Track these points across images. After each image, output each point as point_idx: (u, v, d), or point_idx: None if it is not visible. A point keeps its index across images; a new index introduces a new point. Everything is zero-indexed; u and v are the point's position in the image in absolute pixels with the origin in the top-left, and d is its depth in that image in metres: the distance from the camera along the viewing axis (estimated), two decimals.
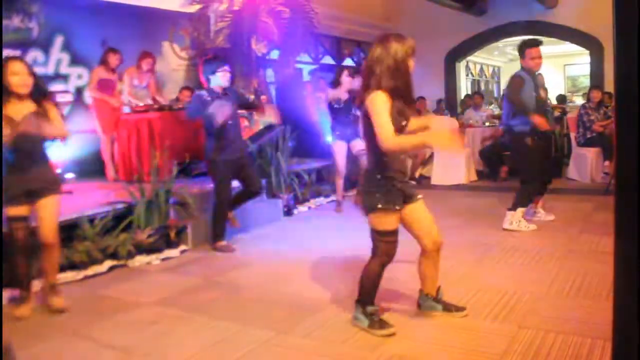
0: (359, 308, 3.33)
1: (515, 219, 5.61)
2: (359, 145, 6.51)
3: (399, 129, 3.08)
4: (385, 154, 3.09)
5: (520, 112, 5.51)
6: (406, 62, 3.10)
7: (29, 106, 3.71)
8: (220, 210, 5.40)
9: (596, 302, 3.57)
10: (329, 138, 7.21)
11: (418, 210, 3.29)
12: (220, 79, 5.27)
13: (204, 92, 5.26)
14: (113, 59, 6.98)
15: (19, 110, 3.66)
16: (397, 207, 3.16)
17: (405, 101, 3.14)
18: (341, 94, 6.75)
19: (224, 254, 5.27)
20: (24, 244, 3.76)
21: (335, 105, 6.76)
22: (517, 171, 6.59)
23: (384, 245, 3.20)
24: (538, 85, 5.66)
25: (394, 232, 3.20)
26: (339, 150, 6.82)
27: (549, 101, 9.94)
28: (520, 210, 5.63)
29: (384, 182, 3.14)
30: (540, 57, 5.63)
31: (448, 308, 3.49)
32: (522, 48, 5.69)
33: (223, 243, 5.40)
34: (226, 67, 5.32)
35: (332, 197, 7.63)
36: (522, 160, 5.76)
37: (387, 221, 3.16)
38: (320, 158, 8.22)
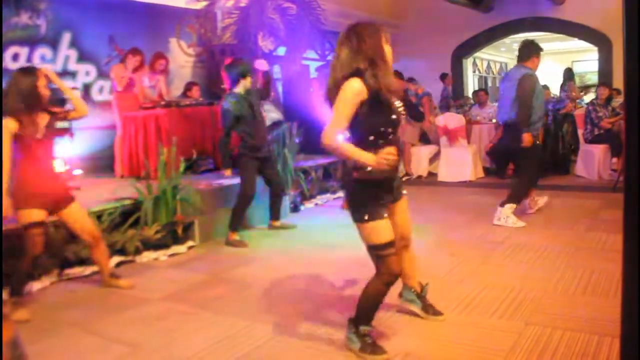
0: (351, 328, 2.99)
1: (503, 215, 5.69)
2: None
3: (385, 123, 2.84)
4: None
5: (523, 117, 5.59)
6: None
7: (45, 116, 3.84)
8: (243, 204, 5.53)
9: (604, 300, 3.57)
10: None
11: (399, 205, 3.09)
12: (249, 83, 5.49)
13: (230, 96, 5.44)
14: (131, 61, 7.00)
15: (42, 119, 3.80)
16: (386, 215, 2.88)
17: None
18: None
19: (233, 249, 5.29)
20: (38, 249, 3.81)
21: None
22: (519, 166, 6.66)
23: (384, 260, 2.84)
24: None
25: (392, 244, 2.86)
26: None
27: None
28: (509, 206, 5.70)
29: (366, 192, 2.85)
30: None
31: (426, 309, 3.36)
32: (533, 50, 5.77)
33: (236, 237, 5.47)
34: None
35: (339, 194, 7.65)
36: (523, 155, 5.87)
37: (380, 231, 2.84)
38: (327, 155, 8.21)
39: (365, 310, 2.97)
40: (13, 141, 3.65)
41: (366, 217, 2.83)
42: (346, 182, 2.96)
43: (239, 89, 5.41)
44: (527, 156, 5.77)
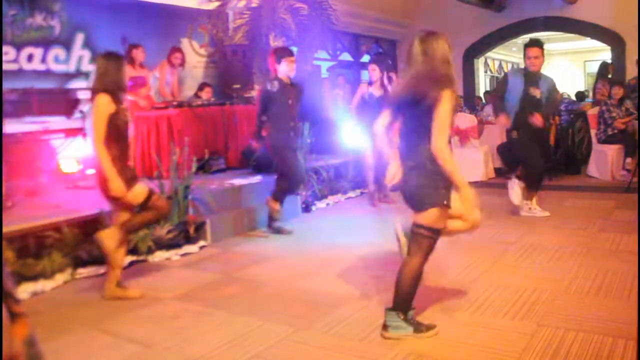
0: (398, 316, 3.11)
1: (527, 207, 6.04)
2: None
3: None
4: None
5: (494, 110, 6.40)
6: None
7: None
8: (293, 186, 5.74)
9: (617, 302, 3.54)
10: (352, 134, 7.28)
11: None
12: (286, 67, 5.50)
13: (269, 84, 5.52)
14: (138, 55, 7.05)
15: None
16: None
17: None
18: (374, 89, 6.87)
19: (244, 249, 5.30)
20: (166, 208, 4.23)
21: (368, 100, 6.93)
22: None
23: (432, 243, 3.10)
24: (531, 83, 5.85)
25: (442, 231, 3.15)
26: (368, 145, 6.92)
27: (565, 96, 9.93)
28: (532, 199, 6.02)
29: (446, 178, 3.00)
30: (537, 57, 5.80)
31: (419, 329, 3.16)
32: (524, 46, 5.96)
33: (277, 207, 5.72)
34: (292, 57, 5.58)
35: (350, 194, 7.69)
36: (516, 153, 6.25)
37: (444, 219, 3.10)
38: (339, 155, 8.22)
39: (408, 296, 3.13)
40: (108, 121, 3.78)
41: (445, 202, 3.03)
42: (429, 168, 3.01)
43: (279, 74, 5.52)
44: (519, 148, 6.04)
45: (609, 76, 10.65)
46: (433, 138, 2.93)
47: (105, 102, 3.75)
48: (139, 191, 3.99)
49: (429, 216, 3.04)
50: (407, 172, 3.11)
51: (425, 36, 3.06)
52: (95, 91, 3.83)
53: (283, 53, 5.55)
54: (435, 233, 3.09)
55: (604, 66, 11.21)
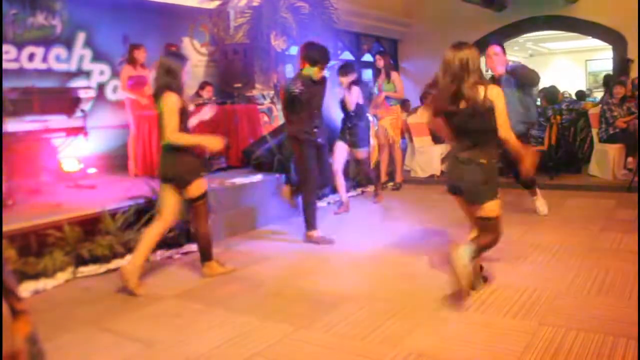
0: (473, 255, 3.42)
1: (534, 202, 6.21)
2: (363, 154, 6.93)
3: None
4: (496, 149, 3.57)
5: None
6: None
7: None
8: (311, 196, 5.41)
9: (618, 301, 3.54)
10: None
11: None
12: (317, 71, 5.21)
13: (292, 86, 5.18)
14: (139, 55, 7.04)
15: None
16: None
17: None
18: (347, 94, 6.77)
19: (246, 248, 5.30)
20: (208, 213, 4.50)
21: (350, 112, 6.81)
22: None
23: (498, 226, 3.58)
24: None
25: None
26: (340, 152, 6.79)
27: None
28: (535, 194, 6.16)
29: (497, 175, 3.59)
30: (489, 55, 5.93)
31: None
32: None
33: (318, 234, 5.31)
34: (327, 64, 5.33)
35: (351, 193, 7.68)
36: None
37: (500, 206, 3.60)
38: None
39: (483, 250, 3.62)
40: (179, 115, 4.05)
41: (499, 195, 3.56)
42: (486, 166, 3.50)
43: (305, 71, 5.21)
44: None
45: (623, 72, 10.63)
46: (504, 126, 3.48)
47: (175, 100, 4.04)
48: (202, 185, 4.27)
49: (492, 208, 3.53)
50: (461, 166, 3.56)
51: (459, 46, 3.57)
52: (162, 88, 4.07)
53: (323, 59, 5.20)
54: (498, 218, 3.57)
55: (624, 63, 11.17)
